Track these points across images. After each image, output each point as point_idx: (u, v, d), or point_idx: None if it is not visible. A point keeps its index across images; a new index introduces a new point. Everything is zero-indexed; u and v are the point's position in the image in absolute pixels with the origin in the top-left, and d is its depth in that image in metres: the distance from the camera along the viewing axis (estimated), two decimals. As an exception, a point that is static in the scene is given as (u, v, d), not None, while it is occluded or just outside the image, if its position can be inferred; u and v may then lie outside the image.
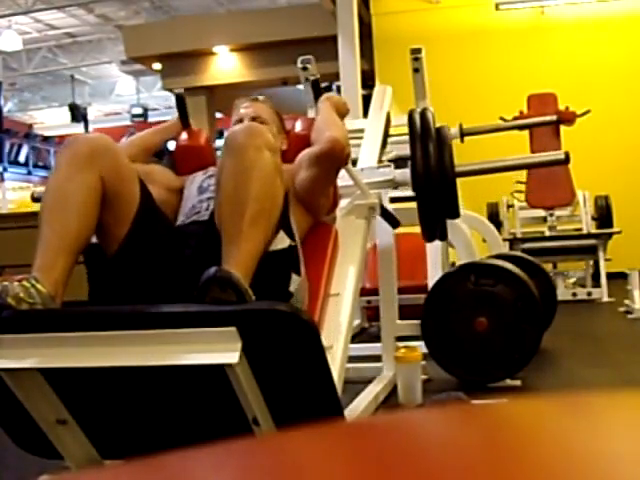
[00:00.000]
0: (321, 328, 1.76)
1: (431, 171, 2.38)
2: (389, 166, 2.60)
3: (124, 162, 1.66)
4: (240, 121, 2.08)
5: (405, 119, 2.67)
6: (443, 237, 2.63)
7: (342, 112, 2.18)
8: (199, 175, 2.02)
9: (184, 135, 2.25)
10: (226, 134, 1.66)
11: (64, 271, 1.47)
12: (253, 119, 2.07)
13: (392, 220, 2.41)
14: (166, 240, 1.72)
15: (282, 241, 1.62)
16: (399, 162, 2.91)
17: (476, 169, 2.62)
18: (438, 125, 2.47)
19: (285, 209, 1.65)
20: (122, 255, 1.63)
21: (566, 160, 2.54)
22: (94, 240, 1.63)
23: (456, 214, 2.50)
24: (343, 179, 2.18)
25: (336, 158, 1.93)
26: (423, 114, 2.49)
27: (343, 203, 2.25)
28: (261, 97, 2.22)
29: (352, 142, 2.36)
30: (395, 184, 2.56)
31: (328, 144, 1.90)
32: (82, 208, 1.54)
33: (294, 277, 1.68)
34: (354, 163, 2.44)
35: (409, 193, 3.62)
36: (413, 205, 3.05)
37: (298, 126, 2.23)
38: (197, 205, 1.88)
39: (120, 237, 1.62)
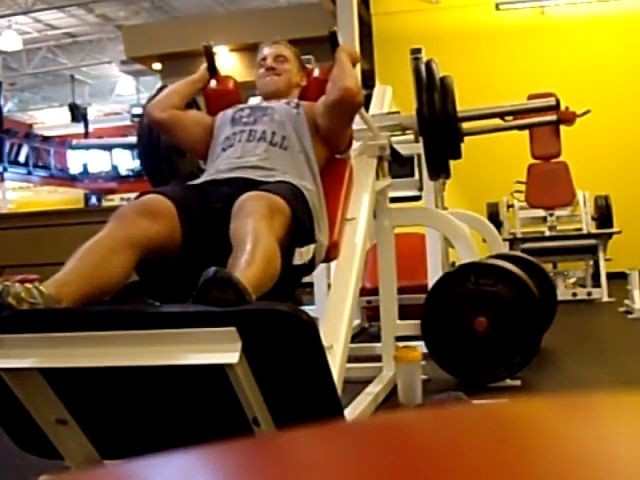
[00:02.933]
0: (340, 248, 2.05)
1: (436, 115, 2.61)
2: (398, 112, 2.91)
3: (163, 224, 1.71)
4: (264, 59, 2.37)
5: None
6: (447, 175, 2.88)
7: (355, 60, 2.39)
8: (229, 111, 2.28)
9: (213, 82, 2.46)
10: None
11: (77, 292, 1.48)
12: (276, 57, 2.36)
13: (400, 158, 2.77)
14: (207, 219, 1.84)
15: (300, 258, 1.81)
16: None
17: (477, 114, 2.88)
18: (442, 74, 2.70)
19: (310, 227, 1.86)
20: (185, 255, 1.76)
21: (557, 106, 2.85)
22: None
23: (458, 155, 2.71)
24: (356, 123, 2.43)
25: (347, 105, 2.18)
26: (429, 64, 2.71)
27: (356, 145, 2.52)
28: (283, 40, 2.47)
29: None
30: (402, 127, 2.84)
31: (339, 92, 2.16)
32: (111, 273, 1.57)
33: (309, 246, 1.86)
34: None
35: (409, 193, 3.61)
36: (413, 205, 3.06)
37: (317, 72, 2.48)
38: (231, 137, 2.16)
39: (175, 246, 1.74)
